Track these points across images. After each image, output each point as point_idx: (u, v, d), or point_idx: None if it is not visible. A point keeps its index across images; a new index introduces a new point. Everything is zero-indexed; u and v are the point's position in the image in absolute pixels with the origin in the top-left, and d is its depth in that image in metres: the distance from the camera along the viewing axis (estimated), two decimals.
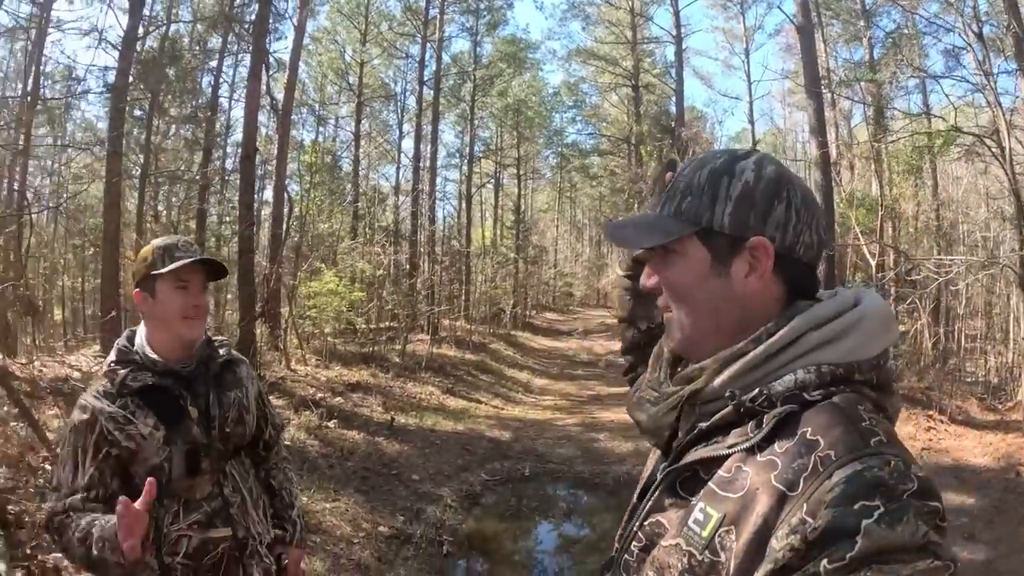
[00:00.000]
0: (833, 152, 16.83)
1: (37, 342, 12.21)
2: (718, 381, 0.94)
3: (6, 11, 11.48)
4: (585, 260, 43.12)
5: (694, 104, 38.29)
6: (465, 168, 28.79)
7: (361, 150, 24.46)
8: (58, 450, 4.27)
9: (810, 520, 0.74)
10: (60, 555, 3.66)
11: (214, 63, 17.30)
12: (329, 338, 14.66)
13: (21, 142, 10.76)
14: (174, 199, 16.21)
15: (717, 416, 0.93)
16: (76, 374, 7.52)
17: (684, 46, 24.47)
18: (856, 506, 0.72)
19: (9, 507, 3.88)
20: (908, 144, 15.72)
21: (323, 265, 15.82)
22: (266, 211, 18.51)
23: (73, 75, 14.89)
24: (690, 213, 0.97)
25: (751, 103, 24.91)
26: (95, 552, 1.70)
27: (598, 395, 15.04)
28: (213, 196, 17.85)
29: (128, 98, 12.00)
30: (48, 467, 4.75)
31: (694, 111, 31.61)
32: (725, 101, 58.94)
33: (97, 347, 9.37)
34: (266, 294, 12.22)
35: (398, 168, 27.33)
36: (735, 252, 0.95)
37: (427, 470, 8.07)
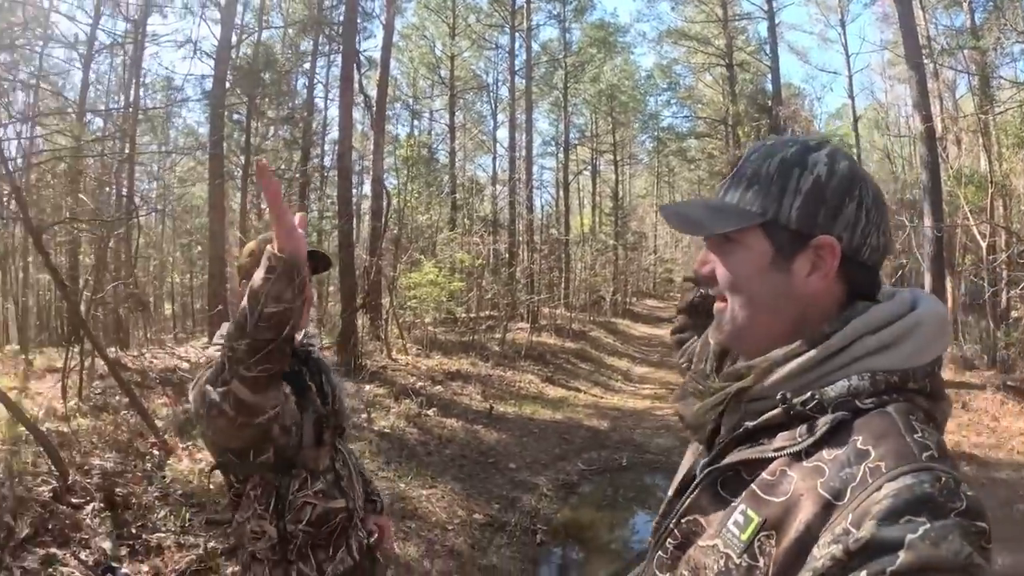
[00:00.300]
0: (938, 126, 15.77)
1: (148, 336, 12.91)
2: (769, 381, 0.91)
3: (103, 30, 12.16)
4: (685, 246, 42.24)
5: (791, 81, 36.45)
6: (561, 156, 28.70)
7: (456, 142, 24.77)
8: (166, 437, 4.46)
9: (854, 531, 0.72)
10: (164, 534, 3.83)
11: (308, 65, 17.84)
12: (429, 327, 14.91)
13: (127, 150, 11.36)
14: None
15: (765, 417, 0.90)
16: (184, 365, 7.87)
17: (777, 21, 23.28)
18: (902, 520, 0.70)
19: (117, 489, 4.08)
20: (1017, 115, 14.67)
21: (422, 256, 16.09)
22: (365, 205, 18.95)
23: (172, 85, 15.63)
24: (756, 203, 0.92)
25: (850, 77, 23.63)
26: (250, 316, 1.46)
27: None
28: (313, 192, 18.41)
29: (225, 103, 12.53)
30: (156, 452, 4.99)
31: (791, 88, 30.16)
32: (823, 76, 56.36)
33: (205, 339, 9.81)
34: (367, 286, 12.51)
35: (494, 158, 27.54)
36: (799, 248, 0.91)
37: (524, 459, 8.06)
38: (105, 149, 9.99)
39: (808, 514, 0.77)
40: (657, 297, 36.89)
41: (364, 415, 7.96)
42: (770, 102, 22.72)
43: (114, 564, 2.03)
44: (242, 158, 15.15)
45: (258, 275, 1.44)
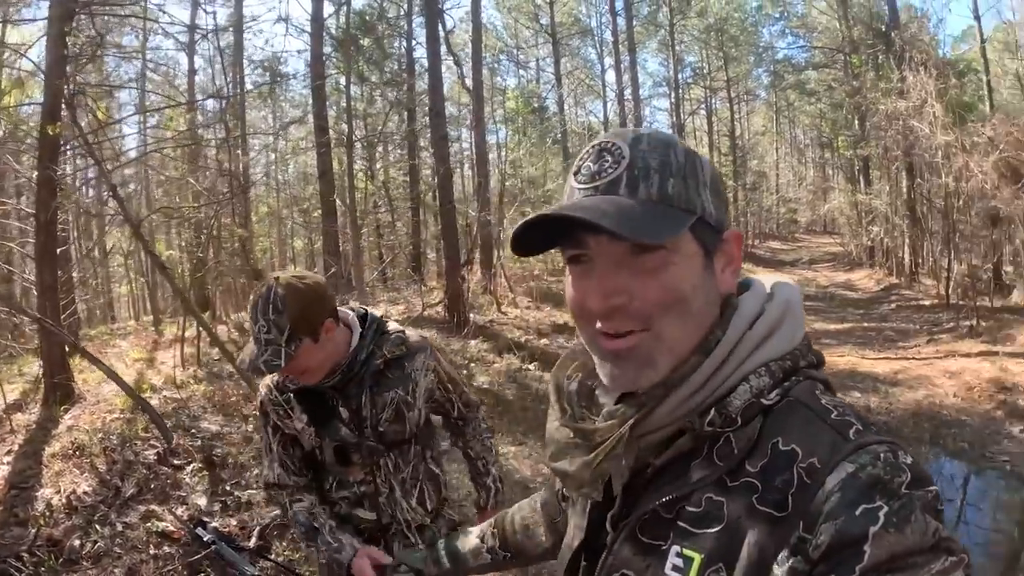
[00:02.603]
0: None
1: None
2: (664, 409, 0.81)
3: (204, 9, 12.74)
4: (809, 184, 40.07)
5: (910, 2, 33.65)
6: (673, 96, 27.87)
7: (565, 88, 24.47)
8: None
9: (810, 537, 0.67)
10: (254, 491, 4.18)
11: (405, 26, 18.04)
12: (541, 278, 15.01)
13: (237, 131, 11.99)
14: (383, 159, 17.27)
15: (673, 448, 0.81)
16: None
17: None
18: (858, 512, 0.65)
19: (216, 451, 4.48)
20: None
21: (531, 208, 16.18)
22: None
23: (276, 61, 16.24)
24: (681, 200, 0.79)
25: None
26: (319, 548, 1.99)
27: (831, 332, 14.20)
28: (425, 151, 18.79)
29: (325, 74, 12.96)
30: (257, 414, 5.40)
31: (910, 9, 27.55)
32: None
33: None
34: (473, 241, 12.75)
35: (604, 103, 27.06)
36: (718, 245, 0.83)
37: None
38: (216, 132, 10.62)
39: (755, 536, 0.71)
40: (780, 239, 35.54)
41: (464, 372, 8.20)
42: (885, 26, 21.06)
43: (204, 519, 2.26)
44: (345, 126, 15.62)
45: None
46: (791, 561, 0.67)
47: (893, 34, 18.16)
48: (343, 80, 15.34)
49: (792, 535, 0.68)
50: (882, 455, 0.68)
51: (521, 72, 27.56)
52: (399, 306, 11.72)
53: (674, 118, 27.25)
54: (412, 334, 2.19)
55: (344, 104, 15.74)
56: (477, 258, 13.70)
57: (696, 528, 0.75)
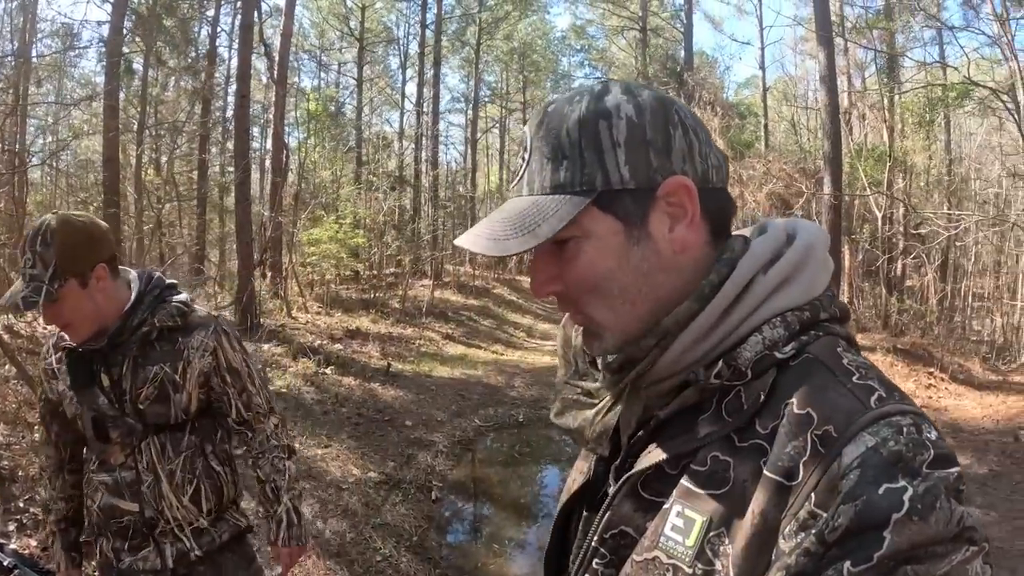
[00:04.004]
0: (844, 101, 16.51)
1: None
2: (668, 357, 0.77)
3: None
4: None
5: (703, 49, 37.34)
6: (470, 112, 28.55)
7: (364, 96, 24.27)
8: None
9: (823, 514, 0.61)
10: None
11: (211, 13, 17.12)
12: (331, 285, 14.80)
13: (14, 100, 10.76)
14: (177, 150, 16.20)
15: (678, 400, 0.76)
16: None
17: None
18: (881, 491, 0.60)
19: (3, 462, 4.04)
20: (921, 96, 15.39)
21: (324, 212, 15.88)
22: (268, 160, 18.52)
23: (69, 31, 14.78)
24: (575, 182, 0.75)
25: (762, 49, 24.22)
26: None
27: None
28: (214, 146, 17.82)
29: (124, 51, 11.97)
30: None
31: (703, 56, 30.96)
32: (734, 46, 57.94)
33: None
34: (265, 243, 12.32)
35: (402, 114, 27.10)
36: (649, 207, 0.76)
37: (420, 416, 8.23)
38: None
39: (760, 503, 0.66)
40: None
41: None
42: (680, 68, 23.17)
43: (1, 541, 2.06)
44: (135, 111, 14.51)
45: None
46: (801, 538, 0.62)
47: (686, 75, 20.03)
48: (137, 63, 14.25)
49: (802, 508, 0.63)
50: (905, 429, 0.63)
51: (323, 75, 26.97)
52: None
53: (468, 133, 27.87)
54: (201, 310, 2.02)
55: (136, 86, 14.61)
56: (268, 260, 13.25)
57: (700, 488, 0.71)
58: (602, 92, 0.77)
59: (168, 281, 1.99)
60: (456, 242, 0.79)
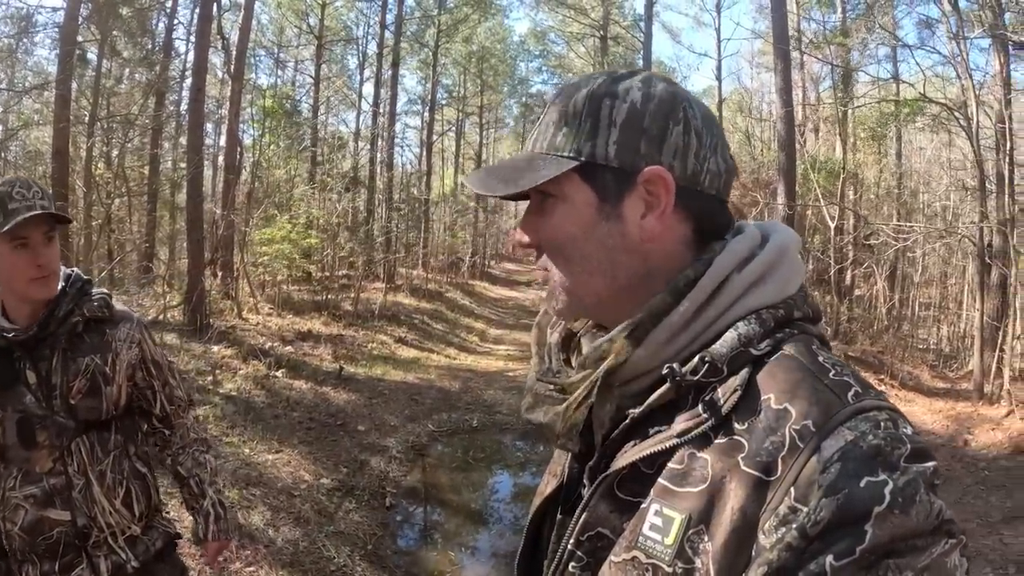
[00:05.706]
0: (799, 114, 16.87)
1: None
2: (642, 352, 0.77)
3: None
4: None
5: (661, 59, 37.82)
6: (427, 115, 28.42)
7: (321, 95, 23.97)
8: None
9: (804, 508, 0.62)
10: None
11: (169, 4, 16.70)
12: (283, 286, 14.53)
13: None
14: (129, 144, 15.74)
15: (654, 397, 0.76)
16: None
17: None
18: (862, 484, 0.60)
19: None
20: (875, 110, 15.77)
21: (277, 212, 15.61)
22: (221, 157, 18.11)
23: (23, 15, 14.24)
24: (567, 147, 0.80)
25: (719, 61, 24.52)
26: None
27: None
28: (168, 141, 17.39)
29: (78, 40, 11.61)
30: None
31: (661, 66, 31.37)
32: (692, 57, 58.98)
33: None
34: (217, 241, 12.05)
35: (358, 114, 26.82)
36: (626, 188, 0.79)
37: (373, 421, 8.09)
38: None
39: (739, 499, 0.66)
40: (516, 261, 37.45)
41: (210, 377, 7.74)
42: None
43: None
44: (87, 102, 14.05)
45: None
46: (782, 532, 0.62)
47: None
48: (92, 52, 13.80)
49: (781, 503, 0.64)
50: (882, 423, 0.65)
51: (280, 72, 26.53)
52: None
53: (424, 136, 27.71)
54: (118, 304, 1.98)
55: (89, 77, 14.15)
56: (219, 259, 12.97)
57: (677, 486, 0.71)
58: (621, 76, 0.81)
59: (86, 277, 1.93)
60: (461, 178, 0.83)
